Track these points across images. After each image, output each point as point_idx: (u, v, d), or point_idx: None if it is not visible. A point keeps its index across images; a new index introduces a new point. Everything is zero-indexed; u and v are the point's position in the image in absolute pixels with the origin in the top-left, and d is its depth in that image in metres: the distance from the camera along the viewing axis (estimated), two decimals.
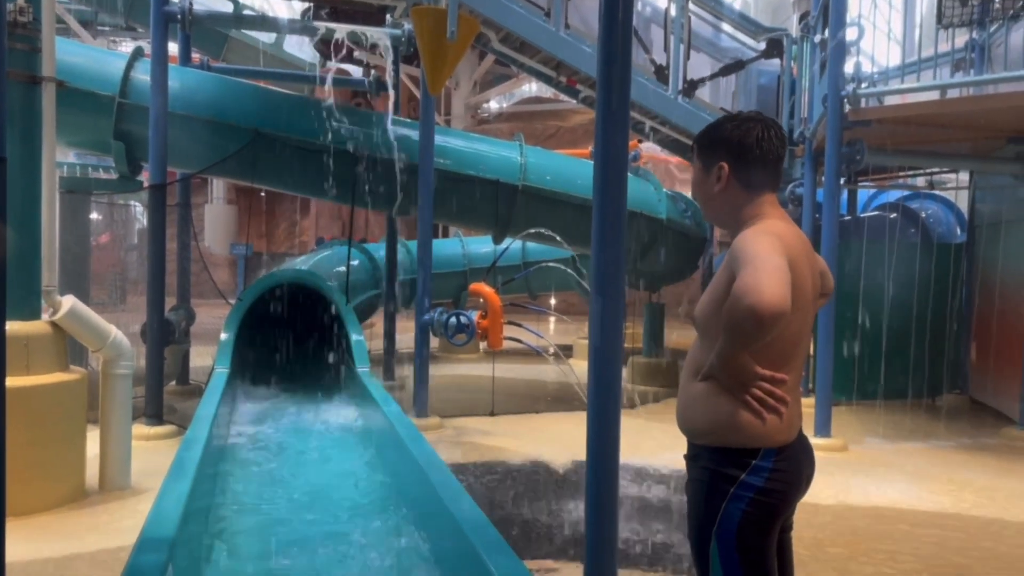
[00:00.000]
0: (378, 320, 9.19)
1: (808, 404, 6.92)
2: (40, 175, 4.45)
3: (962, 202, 9.83)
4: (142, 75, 6.54)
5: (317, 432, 5.30)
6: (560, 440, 6.20)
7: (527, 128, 17.29)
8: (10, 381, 4.03)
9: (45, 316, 4.53)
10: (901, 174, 9.66)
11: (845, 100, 6.33)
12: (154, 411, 6.14)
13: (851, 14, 6.63)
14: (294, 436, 5.16)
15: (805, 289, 1.99)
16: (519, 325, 6.57)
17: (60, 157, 9.36)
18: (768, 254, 1.85)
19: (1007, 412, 7.47)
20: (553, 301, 14.86)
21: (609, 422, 2.38)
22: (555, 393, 8.28)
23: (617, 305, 2.40)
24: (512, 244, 8.64)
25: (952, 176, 10.24)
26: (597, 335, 2.37)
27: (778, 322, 1.79)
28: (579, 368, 2.46)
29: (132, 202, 15.74)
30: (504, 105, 21.00)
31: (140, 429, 5.88)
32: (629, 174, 8.19)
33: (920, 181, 10.18)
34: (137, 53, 6.81)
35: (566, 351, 10.53)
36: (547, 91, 16.89)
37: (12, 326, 4.20)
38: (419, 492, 3.49)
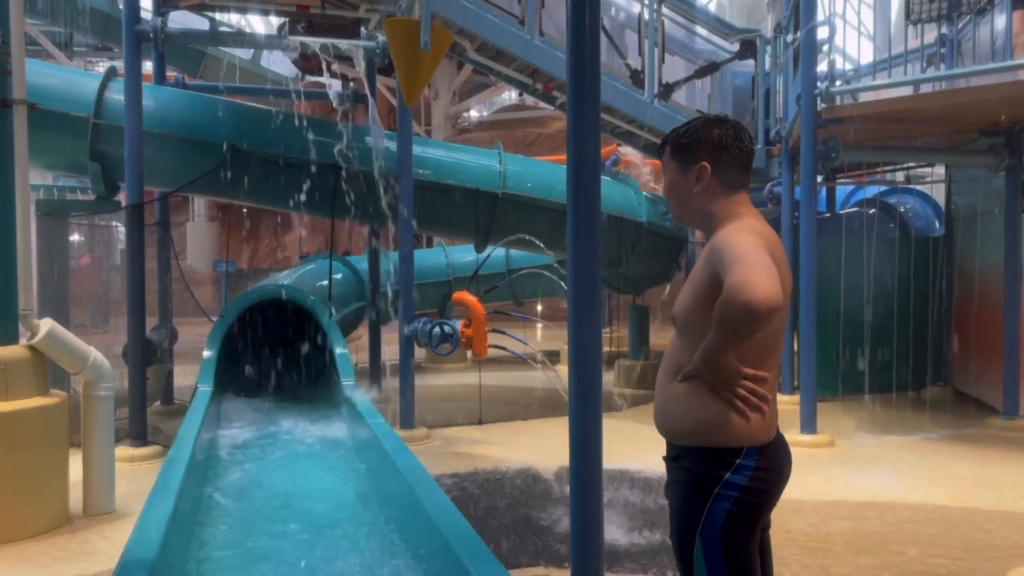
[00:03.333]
0: (364, 332, 9.16)
1: (793, 401, 6.97)
2: (13, 198, 4.41)
3: (939, 196, 9.93)
4: (116, 95, 6.51)
5: (300, 446, 5.27)
6: (549, 446, 6.20)
7: (507, 136, 17.33)
8: None
9: (23, 340, 4.49)
10: (880, 170, 9.74)
11: (818, 99, 6.39)
12: (138, 432, 6.09)
13: (823, 13, 6.70)
14: (278, 450, 5.13)
15: (785, 287, 2.01)
16: (503, 333, 6.57)
17: (38, 179, 9.29)
18: (754, 251, 1.87)
19: (990, 402, 7.54)
20: (539, 307, 14.88)
21: (591, 426, 2.38)
22: (543, 399, 8.28)
23: (594, 308, 2.41)
24: (495, 252, 8.65)
25: (929, 170, 10.34)
26: (576, 337, 2.38)
27: (773, 317, 1.80)
28: (565, 374, 2.46)
29: (113, 223, 15.64)
30: (484, 114, 21.06)
31: (124, 451, 5.83)
32: (609, 178, 8.20)
33: (899, 176, 10.28)
34: (111, 73, 6.78)
35: (553, 357, 10.53)
36: (526, 98, 16.94)
37: None
38: (404, 503, 3.48)
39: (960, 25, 6.98)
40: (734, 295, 1.79)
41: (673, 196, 2.16)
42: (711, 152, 2.07)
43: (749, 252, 1.86)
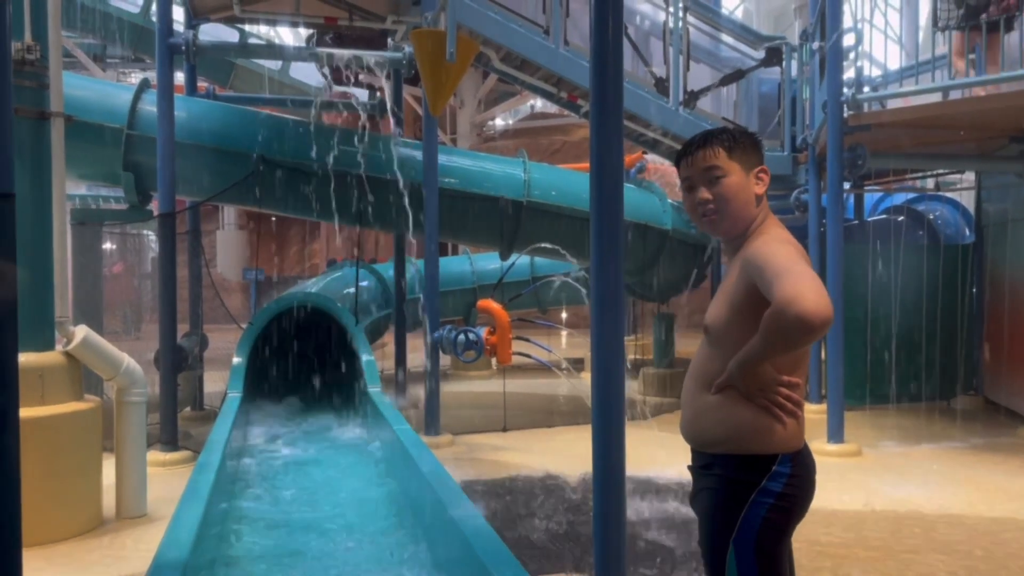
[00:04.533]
0: (389, 340, 9.23)
1: (821, 410, 6.92)
2: (51, 209, 4.53)
3: (969, 202, 9.80)
4: (149, 106, 6.65)
5: (328, 451, 5.33)
6: (573, 454, 6.21)
7: (532, 144, 17.38)
8: (25, 412, 4.12)
9: (59, 346, 4.60)
10: (908, 176, 9.65)
11: (845, 105, 6.35)
12: (169, 437, 6.20)
13: (851, 20, 6.68)
14: (305, 455, 5.20)
15: None
16: (528, 340, 6.60)
17: (72, 189, 9.49)
18: (798, 262, 1.89)
19: (1022, 412, 7.42)
20: (564, 315, 14.87)
21: (614, 433, 2.40)
22: (567, 407, 8.28)
23: (617, 316, 2.43)
24: (519, 260, 8.68)
25: (959, 177, 10.22)
26: (598, 345, 2.40)
27: (827, 328, 1.80)
28: (589, 381, 2.48)
29: (145, 231, 15.92)
30: (509, 122, 21.12)
31: (156, 456, 5.93)
32: (634, 186, 8.21)
33: (929, 183, 10.17)
34: (143, 85, 6.92)
35: (577, 364, 10.53)
36: (551, 107, 16.98)
37: (26, 357, 4.28)
38: (428, 508, 3.52)
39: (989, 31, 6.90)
40: (787, 307, 1.78)
41: (736, 198, 2.08)
42: (762, 157, 2.14)
43: (793, 264, 1.87)
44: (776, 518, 1.95)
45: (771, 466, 1.96)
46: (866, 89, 6.57)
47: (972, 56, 6.34)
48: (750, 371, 1.94)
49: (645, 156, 10.51)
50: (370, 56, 7.27)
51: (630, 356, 11.05)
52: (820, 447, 6.19)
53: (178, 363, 6.51)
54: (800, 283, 1.80)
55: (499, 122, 20.71)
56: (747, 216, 2.10)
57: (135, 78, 16.25)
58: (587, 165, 2.43)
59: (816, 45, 7.10)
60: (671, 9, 7.54)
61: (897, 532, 4.46)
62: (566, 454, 6.29)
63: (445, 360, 8.86)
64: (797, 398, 1.98)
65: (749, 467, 1.97)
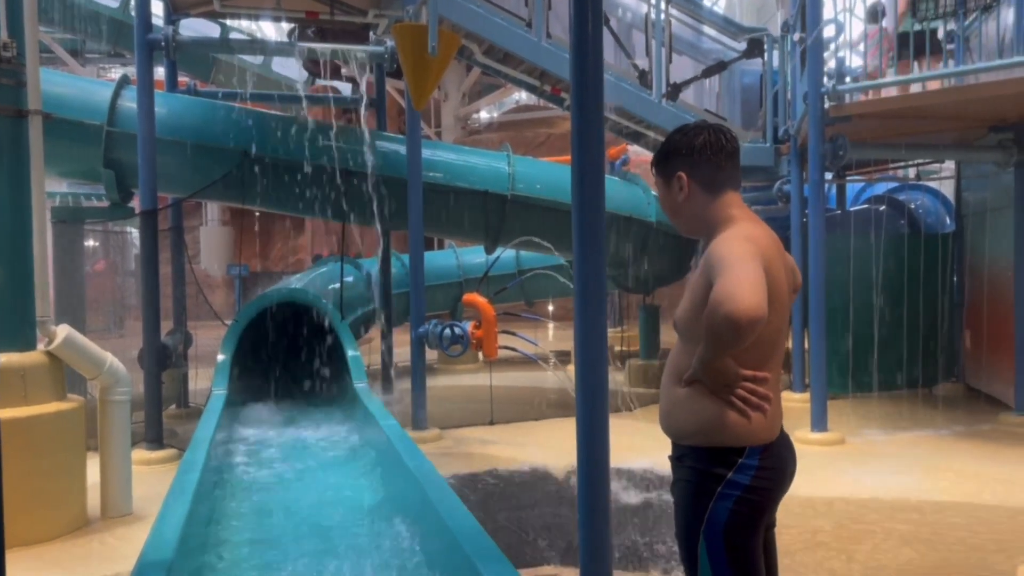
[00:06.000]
0: (375, 335, 9.22)
1: (804, 399, 6.97)
2: (30, 207, 4.49)
3: (950, 191, 9.89)
4: (129, 103, 6.59)
5: (314, 447, 5.33)
6: (559, 446, 6.22)
7: (517, 136, 17.37)
8: (8, 412, 4.10)
9: (41, 346, 4.57)
10: (890, 166, 9.72)
11: (826, 97, 6.39)
12: (154, 436, 6.17)
13: (831, 11, 6.71)
14: (292, 452, 5.19)
15: (781, 289, 2.04)
16: (513, 334, 6.61)
17: (52, 187, 9.40)
18: (744, 260, 1.90)
19: (1002, 398, 7.51)
20: (551, 308, 14.90)
21: (598, 425, 2.42)
22: (553, 400, 8.31)
23: (599, 308, 2.44)
24: (505, 253, 8.69)
25: (939, 167, 10.30)
26: (581, 337, 2.41)
27: (756, 328, 1.83)
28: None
29: (127, 228, 15.79)
30: (494, 115, 21.09)
31: (141, 454, 5.91)
32: (617, 178, 8.20)
33: (910, 173, 10.25)
34: (123, 81, 6.87)
35: (564, 357, 10.56)
36: (536, 99, 16.98)
37: (8, 357, 4.25)
38: (415, 503, 3.53)
39: (967, 21, 6.96)
40: (717, 306, 1.84)
41: (666, 211, 2.22)
42: (683, 160, 2.12)
43: (738, 262, 1.89)
44: (743, 510, 1.98)
45: (738, 459, 1.99)
46: (847, 80, 6.60)
47: (951, 46, 6.40)
48: (709, 367, 1.97)
49: (629, 148, 10.53)
50: (352, 50, 7.23)
51: (616, 348, 11.09)
52: (804, 436, 6.24)
53: (162, 361, 6.47)
54: (734, 283, 1.84)
55: (483, 115, 20.67)
56: (685, 221, 2.17)
57: (115, 74, 16.12)
58: (570, 157, 2.43)
59: (797, 36, 7.13)
60: (653, 1, 7.55)
61: (879, 519, 4.51)
62: (552, 446, 6.31)
63: (431, 354, 8.86)
64: (763, 392, 2.00)
65: (717, 459, 2.00)
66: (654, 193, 8.97)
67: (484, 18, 6.63)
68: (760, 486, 1.99)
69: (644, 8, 7.75)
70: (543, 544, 4.11)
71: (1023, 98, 6.10)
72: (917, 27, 6.94)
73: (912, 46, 6.28)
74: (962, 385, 8.63)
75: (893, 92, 6.58)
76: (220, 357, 6.31)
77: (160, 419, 6.27)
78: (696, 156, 2.11)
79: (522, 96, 20.03)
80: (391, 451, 4.27)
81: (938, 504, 4.78)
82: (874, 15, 6.88)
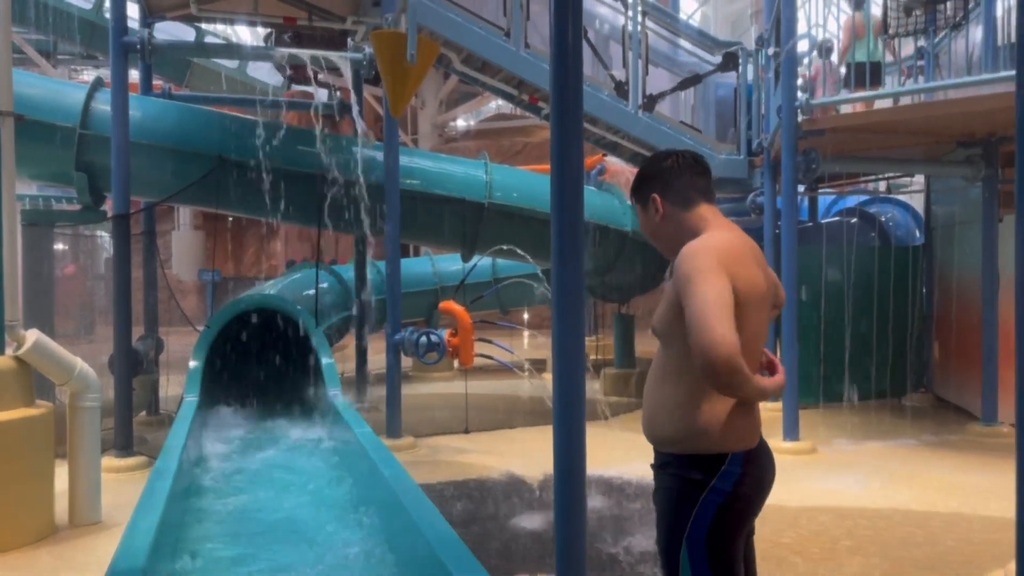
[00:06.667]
0: (350, 342, 9.17)
1: (776, 408, 7.03)
2: (0, 210, 4.42)
3: (919, 205, 10.06)
4: (103, 105, 6.52)
5: (285, 456, 5.28)
6: (535, 454, 6.22)
7: (494, 145, 17.40)
8: None
9: (9, 351, 4.49)
10: (861, 179, 9.87)
11: (799, 110, 6.48)
12: (124, 443, 6.09)
13: (805, 26, 6.82)
14: (261, 462, 5.14)
15: (759, 288, 2.05)
16: (489, 342, 6.61)
17: (22, 190, 9.23)
18: (705, 280, 1.91)
19: (970, 409, 7.64)
20: (526, 316, 14.91)
21: (575, 433, 2.42)
22: (529, 408, 8.31)
23: (577, 317, 2.45)
24: (481, 261, 8.70)
25: (909, 180, 10.48)
26: (559, 345, 2.42)
27: (734, 360, 1.84)
28: (551, 382, 2.51)
29: (99, 232, 15.57)
30: (471, 123, 21.11)
31: (110, 461, 5.82)
32: (594, 188, 8.24)
33: (881, 186, 10.41)
34: (97, 83, 6.79)
35: (539, 365, 10.58)
36: (512, 108, 17.03)
37: None
38: (390, 511, 3.51)
39: (937, 39, 7.11)
40: (695, 358, 1.89)
41: (648, 235, 2.26)
42: (655, 182, 2.19)
43: (699, 290, 1.90)
44: (727, 516, 2.00)
45: (721, 466, 2.01)
46: (820, 94, 6.71)
47: (921, 63, 6.53)
48: (753, 398, 2.02)
49: (606, 158, 10.59)
50: (330, 56, 7.21)
51: (591, 357, 11.12)
52: (776, 445, 6.25)
53: (133, 367, 6.39)
54: (700, 328, 1.86)
55: (460, 123, 20.68)
56: (665, 242, 2.21)
57: (87, 76, 15.92)
58: (548, 167, 2.45)
59: (771, 51, 7.23)
60: (630, 13, 7.61)
61: (847, 527, 4.56)
62: (528, 455, 6.32)
63: (406, 362, 8.83)
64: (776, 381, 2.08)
65: (700, 466, 2.02)
66: (630, 203, 9.05)
67: (463, 27, 6.64)
68: (742, 493, 2.02)
69: (621, 20, 7.82)
70: (518, 552, 4.11)
71: (991, 114, 6.23)
72: (861, 58, 7.20)
73: (853, 76, 6.47)
74: (931, 396, 8.76)
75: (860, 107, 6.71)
76: (192, 363, 6.24)
77: (130, 426, 6.19)
78: (666, 176, 2.18)
79: (499, 104, 20.08)
80: (365, 459, 4.25)
81: (908, 513, 4.85)
82: (820, 50, 7.11)
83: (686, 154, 2.21)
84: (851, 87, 7.21)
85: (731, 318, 1.88)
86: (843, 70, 7.81)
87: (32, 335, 4.51)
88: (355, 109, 7.50)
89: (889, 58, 7.30)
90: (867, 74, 6.98)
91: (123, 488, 5.22)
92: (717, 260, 1.97)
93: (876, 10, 7.18)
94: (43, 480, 4.43)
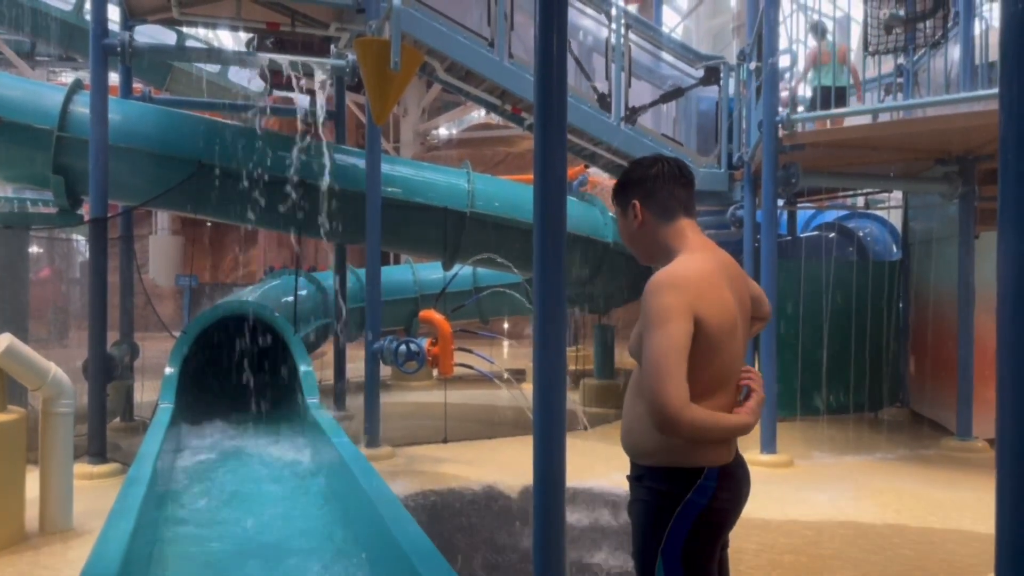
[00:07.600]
0: (328, 350, 9.11)
1: None
2: None
3: (897, 220, 10.18)
4: (81, 108, 6.45)
5: (262, 466, 5.22)
6: (514, 465, 6.21)
7: (476, 154, 17.42)
8: None
9: None
10: (840, 194, 9.98)
11: (779, 125, 6.54)
12: (97, 449, 6.00)
13: (786, 41, 6.90)
14: (240, 470, 5.08)
15: (730, 315, 2.03)
16: (469, 351, 6.59)
17: None
18: (665, 327, 1.92)
19: (945, 423, 7.71)
20: (506, 325, 14.91)
21: (554, 444, 2.42)
22: (508, 418, 8.29)
23: (559, 326, 2.46)
24: (462, 270, 8.68)
25: (887, 196, 10.61)
26: (540, 355, 2.42)
27: (686, 414, 1.89)
28: (531, 392, 2.51)
29: (74, 236, 15.39)
30: (453, 132, 21.13)
31: (83, 468, 5.73)
32: (575, 199, 8.27)
33: (859, 201, 10.53)
34: (76, 85, 6.72)
35: (519, 375, 10.56)
36: (495, 117, 17.07)
37: None
38: (367, 522, 3.48)
39: (916, 57, 7.21)
40: (651, 415, 1.93)
41: (625, 239, 2.26)
42: (637, 189, 2.17)
43: (658, 336, 1.92)
44: (702, 530, 2.00)
45: (697, 479, 2.01)
46: (800, 109, 6.78)
47: (900, 79, 6.62)
48: (733, 435, 2.07)
49: (587, 169, 10.64)
50: (312, 63, 7.18)
51: (570, 367, 11.13)
52: (753, 457, 6.32)
53: (108, 372, 6.30)
54: (654, 387, 1.89)
55: (443, 132, 20.69)
56: (643, 248, 2.21)
57: (66, 77, 15.76)
58: (531, 177, 2.46)
59: (753, 65, 7.30)
60: (613, 26, 7.66)
61: (822, 541, 4.58)
62: (507, 465, 6.30)
63: (385, 370, 8.78)
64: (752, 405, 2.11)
65: (676, 479, 2.02)
66: (611, 214, 9.08)
67: (447, 36, 6.65)
68: (719, 507, 2.02)
69: (605, 32, 7.86)
70: (496, 562, 4.08)
71: (968, 132, 6.33)
72: (827, 82, 7.33)
73: (819, 100, 6.57)
74: (907, 410, 8.84)
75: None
76: (168, 370, 6.17)
77: (104, 432, 6.10)
78: (650, 184, 2.16)
79: (481, 114, 20.12)
80: (343, 469, 4.21)
81: (883, 527, 4.87)
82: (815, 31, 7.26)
83: (672, 162, 2.19)
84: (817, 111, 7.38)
85: (683, 367, 1.91)
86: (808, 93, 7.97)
87: (5, 339, 4.44)
88: (320, 110, 7.42)
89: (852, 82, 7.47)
90: (832, 99, 7.10)
91: (96, 495, 5.13)
92: (684, 299, 1.95)
93: (856, 29, 7.30)
94: (14, 486, 4.35)
